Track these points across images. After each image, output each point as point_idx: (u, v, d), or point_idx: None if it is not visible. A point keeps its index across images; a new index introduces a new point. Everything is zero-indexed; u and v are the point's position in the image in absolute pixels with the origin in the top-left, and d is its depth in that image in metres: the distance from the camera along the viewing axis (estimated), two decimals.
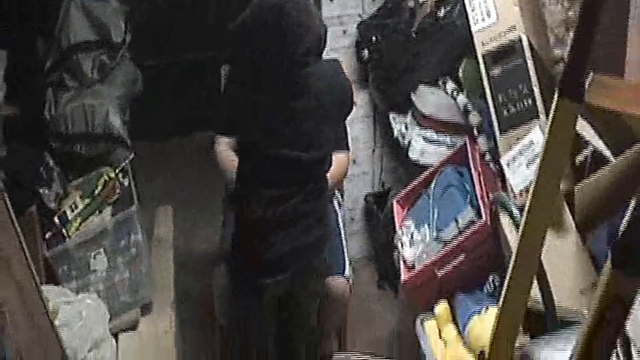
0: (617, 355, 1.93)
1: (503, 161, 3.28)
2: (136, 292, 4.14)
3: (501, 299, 2.01)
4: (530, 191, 1.98)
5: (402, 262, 3.67)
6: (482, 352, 1.97)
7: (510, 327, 1.94)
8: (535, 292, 2.63)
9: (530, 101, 3.25)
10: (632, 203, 1.64)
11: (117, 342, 4.01)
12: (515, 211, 2.97)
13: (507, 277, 2.00)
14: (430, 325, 3.38)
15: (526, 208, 1.98)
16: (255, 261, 3.14)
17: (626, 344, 2.33)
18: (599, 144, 3.07)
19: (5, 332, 2.94)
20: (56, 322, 3.40)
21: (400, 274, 3.66)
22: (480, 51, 3.48)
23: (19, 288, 3.04)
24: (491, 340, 1.93)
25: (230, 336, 3.66)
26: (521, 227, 2.01)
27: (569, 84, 1.78)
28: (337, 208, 3.96)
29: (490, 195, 3.33)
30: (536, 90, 3.27)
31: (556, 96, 1.83)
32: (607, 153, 3.03)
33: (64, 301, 3.71)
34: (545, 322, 2.48)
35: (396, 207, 3.91)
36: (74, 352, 3.58)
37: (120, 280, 4.10)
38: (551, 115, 1.84)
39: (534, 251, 1.98)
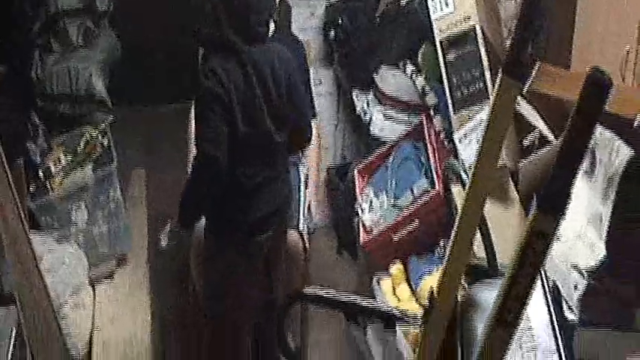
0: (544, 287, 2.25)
1: (455, 137, 3.62)
2: (113, 245, 4.44)
3: (448, 250, 2.31)
4: (475, 159, 2.29)
5: (361, 227, 4.01)
6: (431, 292, 2.28)
7: (455, 273, 2.25)
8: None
9: (481, 84, 3.60)
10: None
11: (94, 290, 4.31)
12: (464, 176, 3.27)
13: (454, 232, 2.30)
14: (386, 284, 3.72)
15: (470, 175, 2.30)
16: (241, 223, 3.38)
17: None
18: (543, 127, 3.41)
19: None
20: (41, 267, 3.67)
21: (359, 241, 4.00)
22: (437, 37, 3.82)
23: (13, 235, 3.29)
24: (439, 283, 2.25)
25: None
26: (466, 190, 2.32)
27: (511, 63, 2.08)
28: (299, 169, 4.14)
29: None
30: (488, 74, 3.61)
31: (500, 74, 2.14)
32: (550, 135, 3.38)
33: (48, 249, 3.98)
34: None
35: (356, 176, 4.25)
36: (57, 295, 3.85)
37: (98, 233, 4.39)
38: (495, 91, 2.14)
39: (477, 212, 2.29)
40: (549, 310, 2.13)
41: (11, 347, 2.92)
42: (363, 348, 3.78)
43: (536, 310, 2.10)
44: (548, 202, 1.57)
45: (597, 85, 1.52)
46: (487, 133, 2.14)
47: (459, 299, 2.25)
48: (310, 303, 3.15)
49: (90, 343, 4.05)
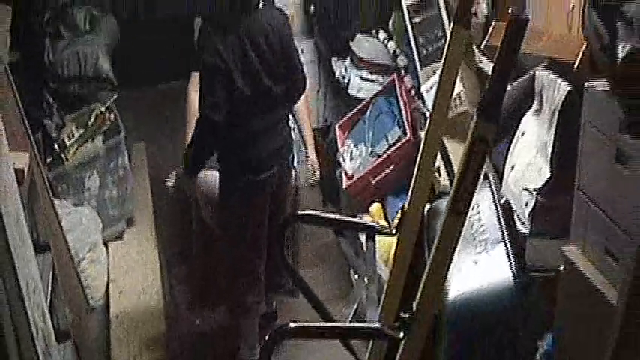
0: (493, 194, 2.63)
1: (423, 89, 4.03)
2: (122, 208, 4.84)
3: (414, 176, 2.70)
4: (432, 101, 2.68)
5: (343, 175, 4.43)
6: (403, 208, 2.67)
7: (421, 191, 2.65)
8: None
9: (443, 42, 3.99)
10: None
11: (107, 248, 4.72)
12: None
13: (417, 162, 2.69)
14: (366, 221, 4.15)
15: (429, 115, 2.69)
16: (249, 162, 3.75)
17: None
18: None
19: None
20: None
21: (342, 189, 4.42)
22: (404, 3, 4.23)
23: (42, 198, 3.65)
24: (409, 201, 2.65)
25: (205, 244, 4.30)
26: (426, 127, 2.71)
27: (460, 13, 2.47)
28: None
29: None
30: (449, 34, 4.01)
31: (451, 24, 2.53)
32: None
33: (66, 212, 4.37)
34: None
35: (338, 131, 4.67)
36: (76, 252, 4.24)
37: (109, 197, 4.78)
38: (447, 39, 2.54)
39: (435, 145, 2.68)
40: (497, 211, 2.53)
41: (49, 291, 3.29)
42: (350, 258, 4.24)
43: (487, 213, 2.50)
44: (485, 111, 1.97)
45: (518, 21, 1.92)
46: (442, 74, 2.54)
47: (425, 212, 2.65)
48: (305, 223, 3.53)
49: (107, 293, 4.45)
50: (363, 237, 3.90)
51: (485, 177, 2.63)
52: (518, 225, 3.12)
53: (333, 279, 4.53)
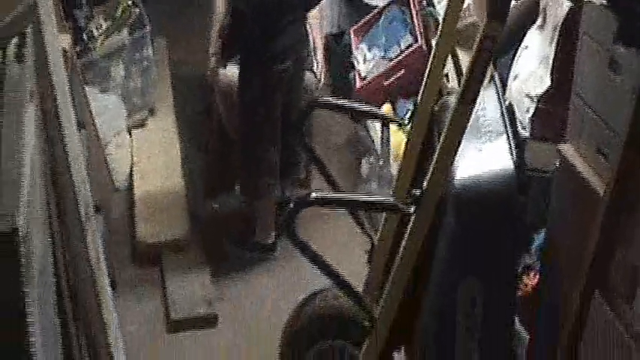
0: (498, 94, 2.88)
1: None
2: (145, 97, 5.07)
3: (425, 77, 2.94)
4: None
5: (356, 76, 4.67)
6: (415, 101, 2.92)
7: (433, 90, 2.89)
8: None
9: None
10: None
11: (131, 135, 4.98)
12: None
13: (428, 64, 2.92)
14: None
15: (440, 22, 2.92)
16: (266, 53, 3.95)
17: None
18: None
19: None
20: None
21: (353, 91, 4.66)
22: None
23: (75, 82, 3.88)
24: (420, 97, 2.90)
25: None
26: (437, 34, 2.94)
27: None
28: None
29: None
30: None
31: None
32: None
33: (93, 98, 4.58)
34: None
35: (352, 36, 4.88)
36: (103, 136, 4.49)
37: (133, 87, 4.99)
38: None
39: (445, 50, 2.91)
40: (501, 107, 2.78)
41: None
42: (367, 144, 4.52)
43: (491, 109, 2.75)
44: (493, 11, 2.21)
45: None
46: None
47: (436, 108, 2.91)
48: (323, 107, 3.78)
49: (130, 176, 4.71)
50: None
51: (492, 78, 2.89)
52: (519, 129, 3.36)
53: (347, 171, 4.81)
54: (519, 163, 2.66)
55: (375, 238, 3.06)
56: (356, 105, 3.40)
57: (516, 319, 3.00)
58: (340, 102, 3.41)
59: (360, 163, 4.72)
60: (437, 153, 2.40)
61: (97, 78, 4.83)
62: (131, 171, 4.73)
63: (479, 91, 2.33)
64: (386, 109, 4.32)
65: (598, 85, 2.45)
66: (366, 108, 3.35)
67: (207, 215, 4.54)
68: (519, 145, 3.22)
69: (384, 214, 3.05)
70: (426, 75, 2.91)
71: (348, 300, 2.90)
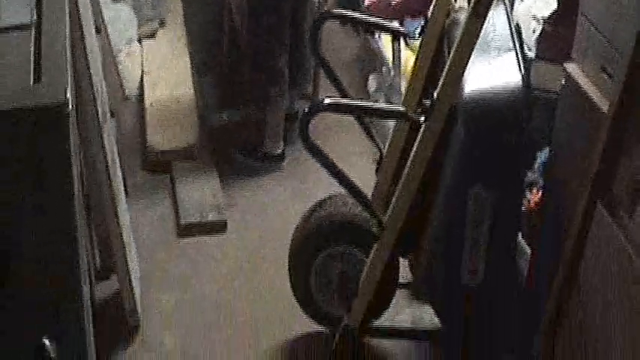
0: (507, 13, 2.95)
1: None
2: (156, 9, 5.13)
3: None
4: None
5: None
6: (425, 17, 3.00)
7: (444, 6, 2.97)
8: None
9: None
10: None
11: (141, 45, 5.05)
12: None
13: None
14: (385, 38, 4.48)
15: None
16: None
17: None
18: None
19: None
20: None
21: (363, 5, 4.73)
22: None
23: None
24: (431, 11, 2.97)
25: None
26: None
27: None
28: None
29: None
30: None
31: None
32: None
33: (106, 7, 4.66)
34: None
35: None
36: (115, 43, 4.57)
37: None
38: None
39: None
40: (510, 25, 2.86)
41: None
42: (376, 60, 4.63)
43: (501, 27, 2.83)
44: None
45: None
46: None
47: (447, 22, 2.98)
48: (335, 19, 3.86)
49: (141, 84, 4.80)
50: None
51: None
52: (526, 49, 3.43)
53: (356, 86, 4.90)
54: (526, 78, 2.74)
55: (383, 149, 3.15)
56: (368, 17, 3.47)
57: (520, 234, 3.12)
58: (353, 14, 3.47)
59: (368, 79, 4.81)
60: (448, 64, 2.49)
61: None
62: (141, 80, 4.81)
63: (490, 6, 2.42)
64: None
65: (603, 4, 2.52)
66: (377, 20, 3.42)
67: (216, 125, 4.62)
68: (525, 64, 3.31)
69: (392, 127, 3.15)
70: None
71: (357, 206, 3.02)
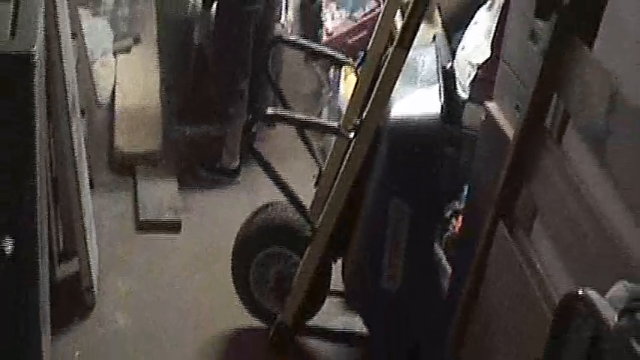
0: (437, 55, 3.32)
1: None
2: (132, 26, 5.46)
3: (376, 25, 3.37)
4: None
5: (324, 33, 5.09)
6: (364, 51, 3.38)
7: (382, 38, 3.32)
8: None
9: None
10: None
11: (116, 59, 5.37)
12: None
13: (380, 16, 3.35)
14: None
15: None
16: None
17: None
18: None
19: None
20: None
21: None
22: None
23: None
24: (370, 45, 3.33)
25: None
26: None
27: None
28: None
29: None
30: None
31: None
32: None
33: (85, 19, 4.92)
34: None
35: None
36: (91, 53, 4.87)
37: (122, 15, 5.41)
38: None
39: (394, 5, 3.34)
40: (437, 62, 3.21)
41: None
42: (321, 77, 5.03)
43: (429, 63, 3.20)
44: None
45: None
46: None
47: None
48: (286, 44, 4.22)
49: (113, 93, 5.10)
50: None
51: (434, 38, 3.34)
52: (460, 91, 3.77)
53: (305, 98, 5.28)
54: (446, 94, 3.08)
55: (323, 165, 3.51)
56: (314, 45, 3.85)
57: (443, 256, 3.45)
58: (302, 41, 3.86)
59: (322, 111, 5.17)
60: (375, 88, 2.86)
61: (89, 3, 5.22)
62: (113, 90, 5.12)
63: (413, 39, 2.79)
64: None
65: (520, 52, 2.85)
66: (322, 48, 3.79)
67: (179, 138, 4.96)
68: (458, 105, 3.65)
69: (332, 146, 3.50)
70: (376, 26, 3.36)
71: (295, 213, 3.36)
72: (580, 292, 1.69)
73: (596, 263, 2.12)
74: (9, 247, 2.18)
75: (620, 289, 1.70)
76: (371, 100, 2.87)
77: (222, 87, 4.61)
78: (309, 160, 3.64)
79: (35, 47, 2.19)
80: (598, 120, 2.17)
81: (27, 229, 2.30)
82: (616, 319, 1.57)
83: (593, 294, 1.67)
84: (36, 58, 2.18)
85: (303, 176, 4.38)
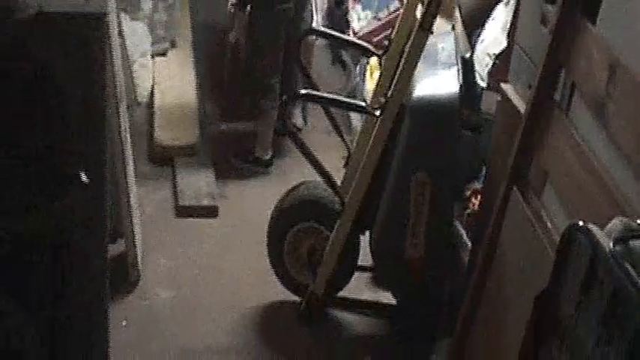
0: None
1: None
2: (168, 30, 5.72)
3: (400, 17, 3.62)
4: None
5: (351, 32, 5.35)
6: (388, 38, 3.61)
7: (405, 29, 3.58)
8: None
9: None
10: None
11: (153, 61, 5.63)
12: None
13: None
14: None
15: None
16: None
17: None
18: None
19: None
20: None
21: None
22: None
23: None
24: (395, 33, 3.58)
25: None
26: None
27: None
28: None
29: None
30: None
31: None
32: None
33: (125, 22, 5.17)
34: None
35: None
36: (130, 54, 5.11)
37: (158, 19, 5.65)
38: None
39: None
40: (456, 47, 3.45)
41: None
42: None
43: (448, 48, 3.45)
44: None
45: None
46: None
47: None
48: (317, 35, 4.55)
49: (151, 92, 5.35)
50: None
51: (453, 27, 3.58)
52: (479, 80, 4.00)
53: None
54: (465, 82, 3.31)
55: (351, 147, 3.75)
56: (344, 36, 4.09)
57: (464, 233, 3.66)
58: (333, 32, 4.12)
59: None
60: (399, 70, 3.10)
61: (128, 8, 5.46)
62: (152, 89, 5.37)
63: (433, 22, 3.04)
64: (372, 61, 5.00)
65: (532, 35, 3.07)
66: (351, 39, 4.04)
67: (215, 133, 5.21)
68: (477, 93, 3.87)
69: (360, 130, 3.74)
70: (399, 16, 3.59)
71: (324, 190, 3.59)
72: (580, 222, 1.89)
73: (600, 219, 2.32)
74: (84, 177, 2.44)
75: (616, 223, 1.91)
76: (395, 79, 3.12)
77: (255, 82, 4.85)
78: (335, 158, 3.81)
79: (107, 8, 2.48)
80: (600, 87, 2.37)
81: (97, 163, 2.56)
82: (612, 245, 1.77)
83: (592, 225, 1.88)
84: (107, 17, 2.45)
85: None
